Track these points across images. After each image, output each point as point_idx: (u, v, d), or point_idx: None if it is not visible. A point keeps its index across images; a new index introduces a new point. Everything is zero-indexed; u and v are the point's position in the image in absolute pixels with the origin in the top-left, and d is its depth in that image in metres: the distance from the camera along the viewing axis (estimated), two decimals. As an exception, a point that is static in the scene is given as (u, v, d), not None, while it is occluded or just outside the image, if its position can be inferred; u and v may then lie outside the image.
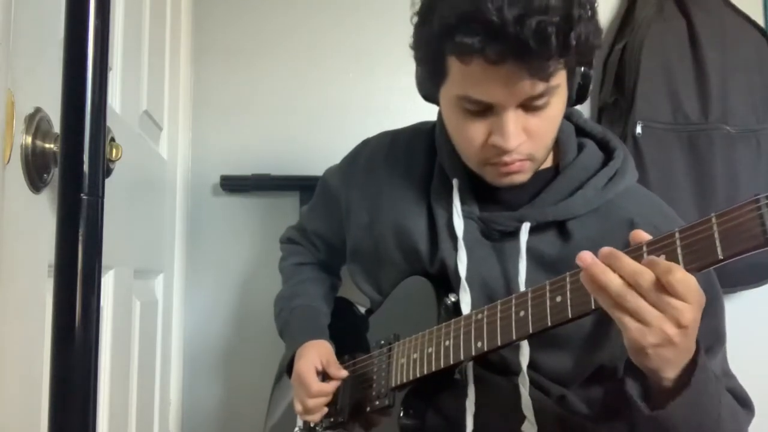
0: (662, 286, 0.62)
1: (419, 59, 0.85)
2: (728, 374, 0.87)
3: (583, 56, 0.78)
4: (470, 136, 0.82)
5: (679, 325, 0.62)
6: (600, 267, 0.64)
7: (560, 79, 0.78)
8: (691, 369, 0.68)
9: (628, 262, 0.63)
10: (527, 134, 0.80)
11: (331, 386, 0.96)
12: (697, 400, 0.69)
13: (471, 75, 0.76)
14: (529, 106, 0.78)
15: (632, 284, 0.63)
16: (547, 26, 0.69)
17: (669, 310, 0.62)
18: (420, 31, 0.82)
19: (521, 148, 0.80)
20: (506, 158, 0.81)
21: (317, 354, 0.98)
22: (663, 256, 0.64)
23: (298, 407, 0.97)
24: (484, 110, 0.79)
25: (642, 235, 0.67)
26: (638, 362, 0.68)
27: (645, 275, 0.62)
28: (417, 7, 0.82)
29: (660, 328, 0.62)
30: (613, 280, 0.64)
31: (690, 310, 0.62)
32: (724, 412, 0.74)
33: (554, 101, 0.79)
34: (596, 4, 0.78)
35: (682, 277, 0.61)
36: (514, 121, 0.78)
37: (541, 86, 0.75)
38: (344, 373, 0.97)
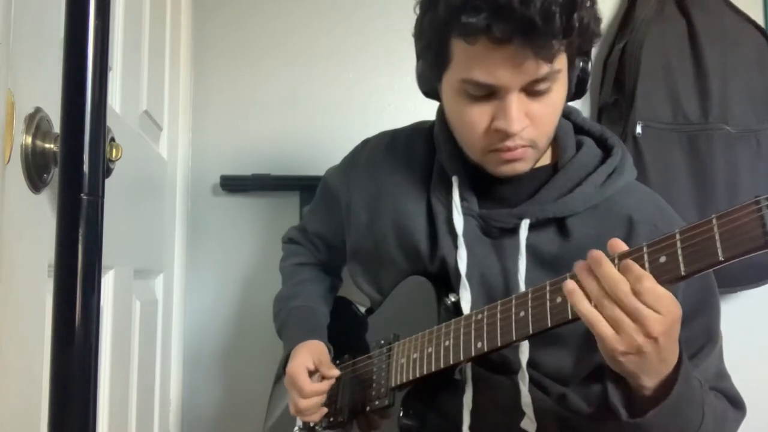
0: (636, 294, 0.63)
1: (422, 48, 0.86)
2: (722, 375, 0.87)
3: (584, 42, 0.80)
4: (473, 122, 0.82)
5: (648, 335, 0.63)
6: (582, 272, 0.66)
7: (562, 63, 0.79)
8: (672, 380, 0.69)
9: (608, 268, 0.64)
10: (530, 119, 0.80)
11: (323, 386, 0.95)
12: (678, 410, 0.70)
13: (476, 57, 0.76)
14: (531, 90, 0.79)
15: (609, 291, 0.64)
16: (552, 5, 0.71)
17: (640, 319, 0.63)
18: (424, 18, 0.82)
19: (524, 134, 0.81)
20: (509, 143, 0.81)
21: (309, 354, 0.98)
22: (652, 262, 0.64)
23: (292, 409, 0.97)
24: (488, 95, 0.80)
25: (619, 245, 0.67)
26: (614, 368, 0.69)
27: (621, 284, 0.63)
28: None
29: (630, 336, 0.63)
30: (592, 287, 0.65)
31: (659, 322, 0.63)
32: (708, 419, 0.74)
33: (556, 87, 0.80)
34: None
35: (650, 286, 0.62)
36: (517, 104, 0.78)
37: (545, 68, 0.76)
38: (335, 372, 0.96)
